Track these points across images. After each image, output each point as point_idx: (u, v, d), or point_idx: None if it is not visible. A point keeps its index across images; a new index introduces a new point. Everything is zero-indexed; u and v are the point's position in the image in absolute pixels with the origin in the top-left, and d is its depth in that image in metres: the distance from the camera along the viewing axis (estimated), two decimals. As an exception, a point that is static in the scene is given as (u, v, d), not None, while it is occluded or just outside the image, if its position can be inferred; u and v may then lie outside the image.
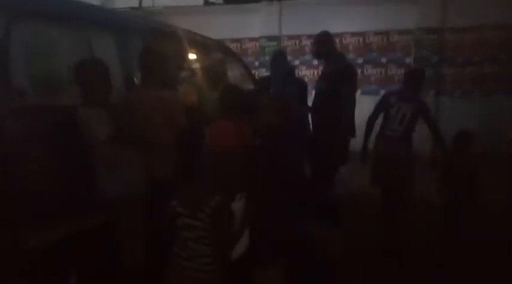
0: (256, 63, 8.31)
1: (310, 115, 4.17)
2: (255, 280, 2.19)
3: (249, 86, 4.79)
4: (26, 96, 2.13)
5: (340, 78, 3.75)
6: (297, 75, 5.38)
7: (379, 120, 3.64)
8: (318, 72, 7.87)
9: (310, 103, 4.29)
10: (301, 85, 4.40)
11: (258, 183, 2.15)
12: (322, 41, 4.03)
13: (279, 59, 4.42)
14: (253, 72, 5.97)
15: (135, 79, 2.99)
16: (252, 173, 2.20)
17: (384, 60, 7.68)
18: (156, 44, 3.03)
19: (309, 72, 7.90)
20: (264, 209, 2.04)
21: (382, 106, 3.67)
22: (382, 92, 7.61)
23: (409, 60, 7.58)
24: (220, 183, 2.02)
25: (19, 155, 2.00)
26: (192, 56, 4.09)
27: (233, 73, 4.67)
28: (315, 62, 7.88)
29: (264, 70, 7.87)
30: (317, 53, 4.16)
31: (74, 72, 2.31)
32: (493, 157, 5.32)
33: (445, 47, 7.42)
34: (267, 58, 8.16)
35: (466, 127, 3.73)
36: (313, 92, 4.12)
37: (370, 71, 7.67)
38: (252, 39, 8.45)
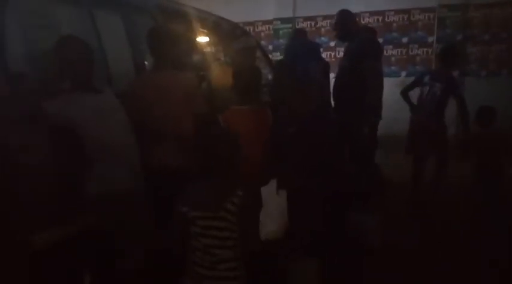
0: (270, 47, 8.01)
1: (333, 95, 3.87)
2: (290, 273, 1.99)
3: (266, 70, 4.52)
4: (24, 79, 1.93)
5: (364, 55, 3.47)
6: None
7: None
8: (335, 55, 7.58)
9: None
10: (324, 64, 4.10)
11: (290, 170, 1.92)
12: (343, 21, 3.73)
13: (300, 38, 4.15)
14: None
15: (146, 62, 2.75)
16: (282, 160, 1.97)
17: (405, 40, 7.31)
18: (167, 22, 2.78)
19: (325, 54, 7.57)
20: (300, 198, 1.82)
21: (416, 83, 4.21)
22: (404, 74, 7.35)
23: (431, 39, 7.21)
24: (242, 175, 1.79)
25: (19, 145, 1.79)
26: (205, 38, 3.85)
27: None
28: (332, 44, 7.59)
29: (278, 54, 7.58)
30: (340, 35, 3.86)
31: (55, 52, 2.03)
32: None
33: (469, 24, 7.02)
34: (281, 41, 7.90)
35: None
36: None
37: (390, 51, 7.30)
38: (265, 22, 8.15)
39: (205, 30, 3.69)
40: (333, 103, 3.88)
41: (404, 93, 4.20)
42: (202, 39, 3.73)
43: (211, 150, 1.67)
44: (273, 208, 1.98)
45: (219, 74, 3.10)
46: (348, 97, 3.54)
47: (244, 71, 2.56)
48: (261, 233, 1.93)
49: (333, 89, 3.87)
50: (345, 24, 3.73)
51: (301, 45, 4.03)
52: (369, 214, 2.38)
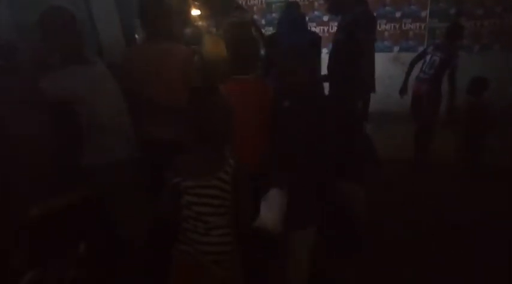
0: (263, 21, 7.88)
1: (327, 69, 3.85)
2: (287, 242, 2.03)
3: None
4: (13, 53, 1.88)
5: (358, 27, 3.48)
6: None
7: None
8: (328, 29, 7.49)
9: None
10: (314, 38, 4.05)
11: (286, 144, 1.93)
12: None
13: (292, 10, 4.07)
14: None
15: (136, 33, 2.70)
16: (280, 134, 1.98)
17: (398, 14, 7.22)
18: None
19: (319, 29, 7.49)
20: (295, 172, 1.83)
21: (422, 55, 4.56)
22: (396, 49, 7.31)
23: (424, 13, 7.14)
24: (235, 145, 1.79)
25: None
26: (196, 11, 3.78)
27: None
28: (325, 18, 7.49)
29: (271, 28, 7.47)
30: (331, 9, 3.84)
31: (41, 24, 1.97)
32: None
33: (463, -2, 6.95)
34: (274, 15, 7.78)
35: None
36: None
37: (383, 26, 7.23)
38: (257, -5, 7.99)
39: (197, 2, 3.62)
40: (327, 77, 3.88)
41: (412, 64, 4.62)
42: (195, 11, 3.67)
43: (209, 120, 1.67)
44: None
45: (214, 46, 3.05)
46: (342, 71, 3.54)
47: (243, 42, 2.52)
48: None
49: (328, 63, 3.85)
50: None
51: (287, 18, 3.96)
52: (358, 185, 2.43)
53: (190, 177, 1.66)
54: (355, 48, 3.37)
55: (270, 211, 1.78)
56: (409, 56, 6.70)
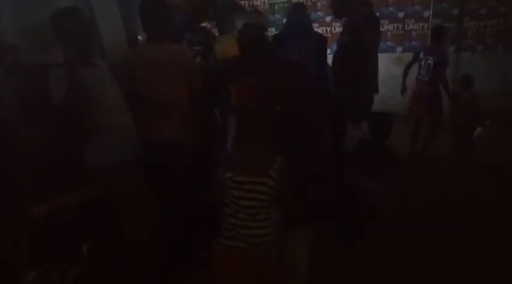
0: (266, 22, 7.89)
1: (333, 71, 3.86)
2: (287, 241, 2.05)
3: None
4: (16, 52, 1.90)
5: (363, 29, 3.49)
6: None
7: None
8: (331, 30, 7.50)
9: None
10: (320, 40, 4.05)
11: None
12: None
13: (298, 12, 4.06)
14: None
15: (139, 32, 2.71)
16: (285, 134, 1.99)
17: (401, 14, 7.22)
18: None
19: (321, 29, 7.49)
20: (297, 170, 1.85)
21: (414, 60, 4.98)
22: (400, 49, 7.30)
23: (427, 14, 7.13)
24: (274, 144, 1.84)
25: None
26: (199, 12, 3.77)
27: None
28: (328, 19, 7.49)
29: (273, 29, 7.48)
30: (336, 12, 3.85)
31: (52, 24, 1.97)
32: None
33: (466, -2, 6.94)
34: (277, 16, 7.79)
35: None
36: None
37: (386, 26, 7.22)
38: (260, -4, 8.01)
39: (200, 3, 3.63)
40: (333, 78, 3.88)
41: (406, 70, 5.02)
42: (199, 11, 3.67)
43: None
44: None
45: (228, 48, 3.03)
46: (348, 72, 3.55)
47: (253, 44, 2.52)
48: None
49: (333, 65, 3.85)
50: (341, 1, 3.73)
51: (295, 20, 3.96)
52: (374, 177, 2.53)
53: (240, 173, 1.75)
54: (359, 49, 3.38)
55: None
56: (412, 57, 6.70)
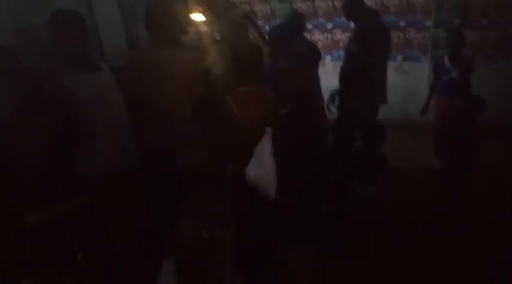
0: (267, 27, 7.87)
1: (340, 81, 3.80)
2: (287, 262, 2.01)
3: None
4: (13, 55, 1.86)
5: (373, 41, 3.40)
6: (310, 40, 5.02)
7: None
8: (332, 37, 7.48)
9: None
10: (314, 52, 3.98)
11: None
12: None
13: (296, 21, 4.03)
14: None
15: (140, 36, 2.67)
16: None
17: (402, 23, 7.22)
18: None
19: (322, 36, 7.48)
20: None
21: (437, 75, 4.53)
22: (400, 58, 7.29)
23: (429, 23, 7.13)
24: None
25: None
26: (199, 15, 3.75)
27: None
28: (330, 26, 7.48)
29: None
30: (349, 15, 3.76)
31: (50, 25, 1.94)
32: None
33: (468, 8, 6.94)
34: (278, 21, 7.77)
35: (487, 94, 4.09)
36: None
37: (387, 35, 7.21)
38: (262, 1, 7.99)
39: (201, 8, 3.60)
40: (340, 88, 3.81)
41: (432, 89, 4.64)
42: (199, 16, 3.64)
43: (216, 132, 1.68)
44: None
45: (218, 53, 3.01)
46: (356, 83, 3.49)
47: (245, 51, 2.48)
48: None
49: (340, 74, 3.79)
50: (357, 3, 3.62)
51: (290, 27, 3.94)
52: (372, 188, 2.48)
53: None
54: (369, 62, 3.33)
55: None
56: (412, 65, 6.69)
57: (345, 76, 3.70)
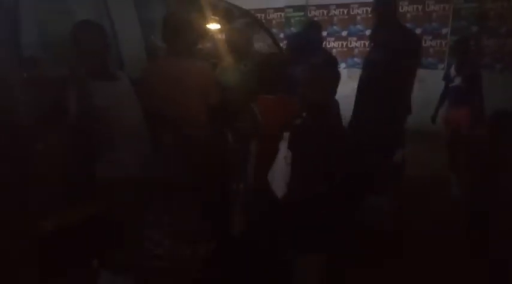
0: (282, 35, 7.92)
1: (358, 92, 3.59)
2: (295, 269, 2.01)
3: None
4: (38, 65, 1.92)
5: (402, 49, 3.17)
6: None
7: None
8: (347, 44, 7.48)
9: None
10: (330, 60, 3.95)
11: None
12: (386, 4, 3.32)
13: (313, 31, 4.03)
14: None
15: (158, 45, 2.72)
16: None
17: (418, 31, 7.17)
18: (178, 5, 2.74)
19: (337, 43, 7.50)
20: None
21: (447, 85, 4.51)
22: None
23: (445, 30, 7.08)
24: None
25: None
26: (215, 24, 3.80)
27: (260, 44, 4.38)
28: (344, 33, 7.49)
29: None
30: (380, 21, 3.37)
31: (72, 36, 2.00)
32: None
33: (485, 16, 6.86)
34: (293, 29, 7.81)
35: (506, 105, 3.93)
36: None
37: (403, 42, 7.18)
38: (277, 10, 8.05)
39: (217, 17, 3.65)
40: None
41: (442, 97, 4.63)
42: (214, 26, 3.69)
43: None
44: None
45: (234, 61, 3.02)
46: (379, 92, 3.25)
47: (269, 59, 2.51)
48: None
49: (360, 84, 3.56)
50: (390, 6, 3.36)
51: (305, 36, 3.91)
52: (385, 199, 2.45)
53: None
54: (392, 71, 3.11)
55: None
56: (428, 73, 6.62)
57: (367, 85, 3.46)
